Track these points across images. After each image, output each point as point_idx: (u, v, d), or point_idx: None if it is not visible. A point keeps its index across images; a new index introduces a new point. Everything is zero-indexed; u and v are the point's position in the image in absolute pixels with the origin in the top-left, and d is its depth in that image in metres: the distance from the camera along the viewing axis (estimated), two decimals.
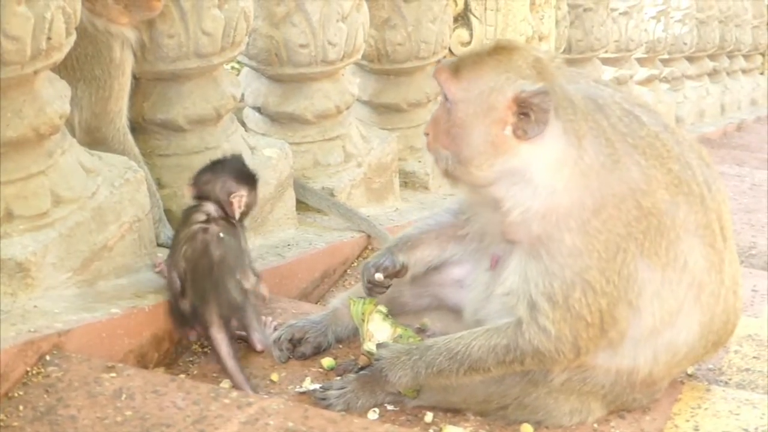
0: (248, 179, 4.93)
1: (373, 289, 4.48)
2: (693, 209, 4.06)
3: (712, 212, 4.13)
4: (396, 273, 4.50)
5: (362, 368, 4.47)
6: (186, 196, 4.91)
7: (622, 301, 3.98)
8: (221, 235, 4.74)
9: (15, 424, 3.72)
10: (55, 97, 4.36)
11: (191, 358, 4.76)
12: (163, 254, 5.04)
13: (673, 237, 4.00)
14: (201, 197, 4.85)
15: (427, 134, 4.20)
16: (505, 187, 4.01)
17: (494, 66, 3.99)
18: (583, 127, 3.96)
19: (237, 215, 4.84)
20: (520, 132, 3.91)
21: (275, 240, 6.12)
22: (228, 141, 5.91)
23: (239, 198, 4.83)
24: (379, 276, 4.44)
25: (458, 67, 4.07)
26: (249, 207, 4.92)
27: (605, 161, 3.94)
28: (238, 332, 4.72)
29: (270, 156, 6.14)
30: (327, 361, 4.66)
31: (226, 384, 4.41)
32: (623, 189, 3.93)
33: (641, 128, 4.07)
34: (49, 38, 4.11)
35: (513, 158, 3.96)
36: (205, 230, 4.72)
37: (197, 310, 4.63)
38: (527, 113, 3.89)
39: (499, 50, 4.06)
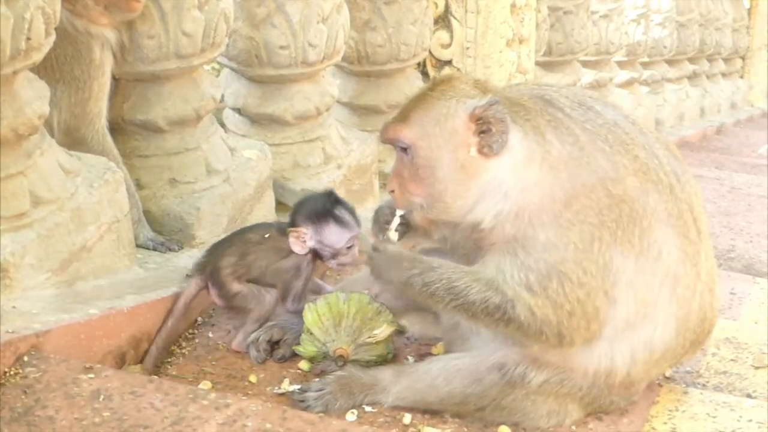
0: (316, 219, 4.82)
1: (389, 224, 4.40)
2: (663, 198, 4.08)
3: (683, 203, 4.15)
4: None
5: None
6: None
7: (600, 290, 4.01)
8: (266, 236, 4.85)
9: None
10: (34, 97, 4.35)
11: (170, 359, 4.76)
12: (142, 255, 5.06)
13: (645, 225, 4.03)
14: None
15: (392, 191, 4.23)
16: (481, 206, 4.03)
17: (439, 96, 4.06)
18: (541, 123, 4.01)
19: (294, 248, 4.80)
20: (486, 149, 3.95)
21: None
22: (207, 142, 5.91)
23: (296, 234, 4.79)
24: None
25: (403, 115, 4.14)
26: (320, 247, 4.84)
27: (571, 150, 3.98)
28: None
29: (249, 157, 6.14)
30: (305, 363, 4.66)
31: (204, 385, 4.40)
32: (592, 178, 3.96)
33: (597, 117, 4.12)
34: (28, 38, 4.10)
35: (485, 176, 3.99)
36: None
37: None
38: (487, 128, 3.93)
39: (438, 83, 4.16)
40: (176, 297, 4.85)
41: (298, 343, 4.67)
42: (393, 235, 4.36)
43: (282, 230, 4.84)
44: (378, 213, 4.54)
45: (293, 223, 4.82)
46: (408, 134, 4.08)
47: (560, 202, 3.95)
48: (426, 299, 4.23)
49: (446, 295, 4.13)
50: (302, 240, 4.75)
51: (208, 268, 4.83)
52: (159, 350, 4.71)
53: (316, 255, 4.84)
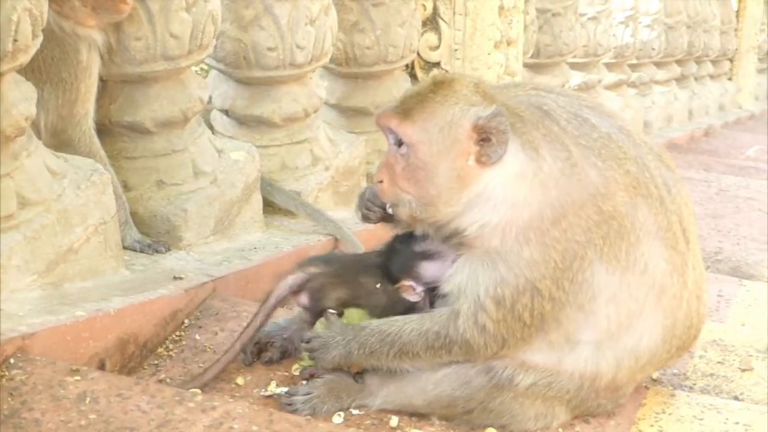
0: (407, 268, 4.53)
1: (371, 208, 4.36)
2: (652, 211, 4.09)
3: (672, 214, 4.15)
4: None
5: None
6: None
7: (570, 305, 4.02)
8: (377, 285, 4.60)
9: None
10: (21, 99, 4.34)
11: (156, 362, 4.74)
12: (129, 257, 5.06)
13: (633, 240, 4.03)
14: None
15: (380, 182, 4.14)
16: (468, 215, 4.01)
17: (442, 101, 3.98)
18: (536, 137, 3.99)
19: (410, 299, 4.51)
20: (485, 158, 3.92)
21: (242, 243, 6.11)
22: (195, 144, 5.91)
23: (403, 288, 4.52)
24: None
25: (407, 109, 4.03)
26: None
27: (563, 166, 3.96)
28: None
29: (237, 159, 6.14)
30: (293, 366, 4.65)
31: None
32: (583, 195, 3.95)
33: (592, 130, 4.10)
34: (15, 40, 4.10)
35: (477, 185, 3.97)
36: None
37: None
38: (488, 138, 3.90)
39: (440, 84, 4.05)
40: (266, 294, 4.63)
41: (286, 349, 4.67)
42: (389, 210, 4.21)
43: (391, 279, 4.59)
44: (366, 192, 4.43)
45: (394, 280, 4.55)
46: (410, 133, 3.99)
47: (548, 220, 3.95)
48: (370, 360, 4.26)
49: (383, 346, 4.19)
50: (412, 290, 4.61)
51: (315, 283, 4.62)
52: (243, 349, 4.60)
53: (430, 289, 4.55)
